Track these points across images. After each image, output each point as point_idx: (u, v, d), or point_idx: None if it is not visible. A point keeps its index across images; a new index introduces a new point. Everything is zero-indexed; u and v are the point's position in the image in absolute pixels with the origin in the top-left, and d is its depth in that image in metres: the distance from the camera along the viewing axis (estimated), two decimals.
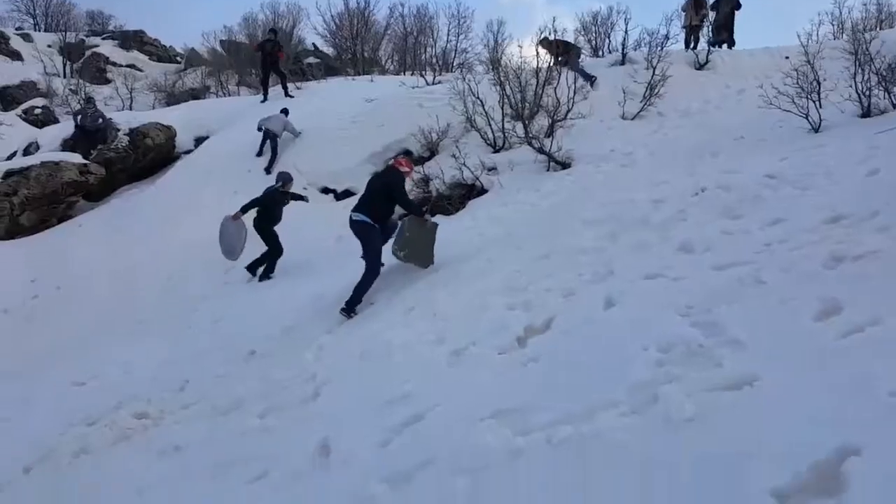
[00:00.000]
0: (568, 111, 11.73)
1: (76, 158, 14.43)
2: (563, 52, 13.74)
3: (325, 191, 12.76)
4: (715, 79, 14.13)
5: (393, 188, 7.50)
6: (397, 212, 8.08)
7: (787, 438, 2.45)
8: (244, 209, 10.10)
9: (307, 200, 11.24)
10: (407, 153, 12.85)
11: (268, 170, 13.67)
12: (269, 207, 10.21)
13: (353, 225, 7.53)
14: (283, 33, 27.24)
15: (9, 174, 13.48)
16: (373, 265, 7.29)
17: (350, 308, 6.94)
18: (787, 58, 11.95)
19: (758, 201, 5.72)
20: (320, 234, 11.12)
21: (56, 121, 23.41)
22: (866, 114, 8.58)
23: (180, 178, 14.09)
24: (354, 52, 30.63)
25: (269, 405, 4.93)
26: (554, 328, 4.44)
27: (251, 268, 10.35)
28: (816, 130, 8.56)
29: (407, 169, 7.95)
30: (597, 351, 3.81)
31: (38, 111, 26.27)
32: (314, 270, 9.76)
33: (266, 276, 10.18)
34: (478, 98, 11.85)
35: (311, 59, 29.92)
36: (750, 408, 2.71)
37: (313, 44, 32.13)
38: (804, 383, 2.77)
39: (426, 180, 11.45)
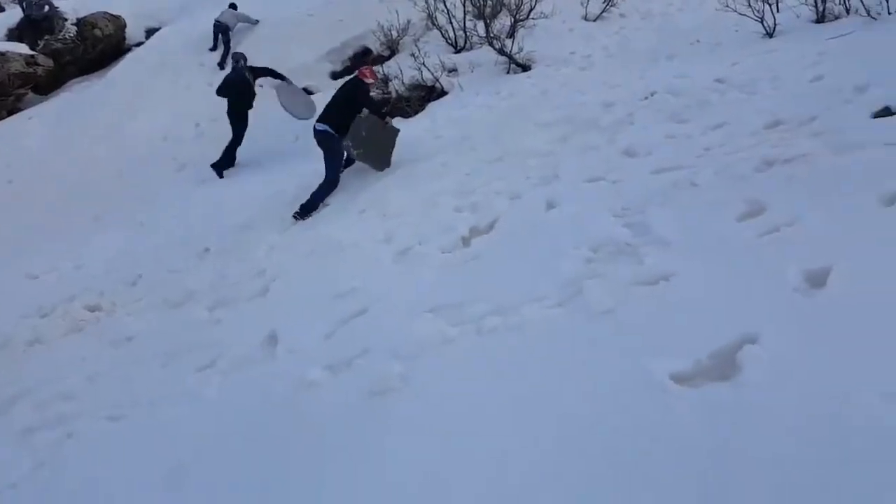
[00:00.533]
0: (531, 10, 11.51)
1: (23, 49, 13.83)
2: None
3: None
4: None
5: (358, 98, 7.51)
6: None
7: (691, 328, 2.66)
8: (222, 94, 10.23)
9: (278, 74, 10.68)
10: (366, 52, 12.68)
11: (221, 65, 13.33)
12: (240, 94, 10.10)
13: (317, 135, 7.55)
14: None
15: None
16: (332, 176, 7.34)
17: (304, 213, 7.01)
18: None
19: (704, 106, 5.84)
20: (279, 133, 10.97)
21: (1, 9, 22.16)
22: (820, 19, 8.61)
23: (132, 72, 13.62)
24: None
25: (219, 299, 5.06)
26: (497, 229, 4.60)
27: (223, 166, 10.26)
28: (771, 35, 8.60)
29: (371, 80, 7.90)
30: (534, 250, 3.98)
31: None
32: (271, 169, 9.72)
33: (221, 166, 10.14)
34: None
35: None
36: (662, 301, 2.91)
37: None
38: (716, 278, 2.97)
39: (385, 80, 11.26)
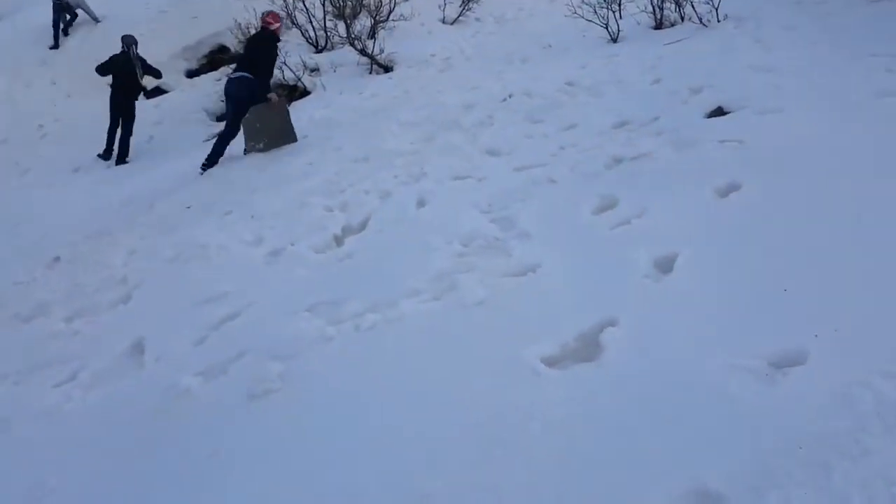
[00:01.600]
0: (390, 12, 11.64)
1: None
2: None
3: None
4: None
5: (263, 47, 7.67)
6: None
7: (557, 315, 2.88)
8: (103, 73, 9.81)
9: (160, 76, 10.49)
10: (223, 50, 12.31)
11: (54, 46, 12.70)
12: (126, 77, 9.66)
13: (233, 83, 7.61)
14: None
15: None
16: (235, 126, 7.70)
17: (209, 164, 7.46)
18: None
19: (557, 107, 6.20)
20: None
21: None
22: (658, 26, 9.32)
23: None
24: None
25: (76, 309, 4.77)
26: (369, 227, 4.68)
27: (107, 154, 9.78)
28: (615, 40, 9.20)
29: (276, 24, 7.93)
30: (406, 246, 4.11)
31: None
32: (121, 171, 9.25)
33: (123, 159, 9.69)
34: None
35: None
36: (531, 290, 3.13)
37: None
38: (577, 268, 3.23)
39: None
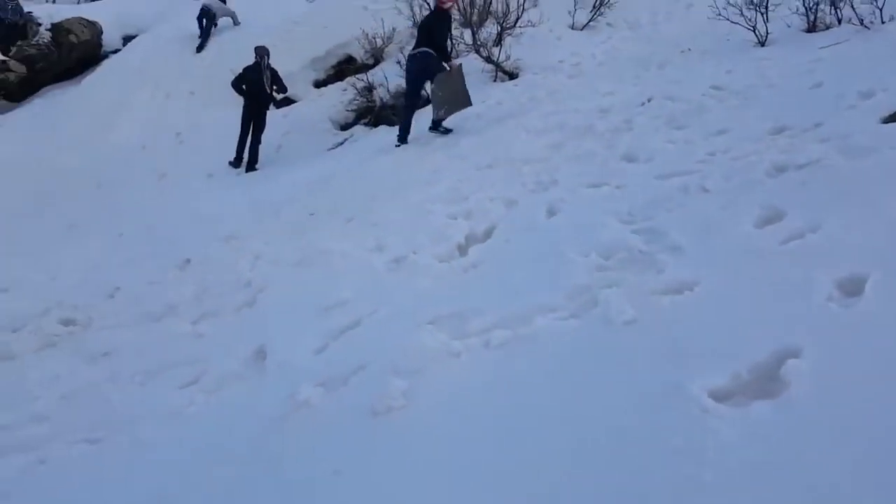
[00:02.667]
0: (517, 19, 11.41)
1: None
2: None
3: None
4: None
5: (437, 27, 8.23)
6: None
7: (726, 341, 2.45)
8: (239, 90, 10.28)
9: (286, 90, 11.02)
10: (350, 61, 12.49)
11: (199, 48, 13.47)
12: (257, 87, 10.17)
13: (414, 58, 8.24)
14: None
15: None
16: (413, 96, 8.47)
17: (402, 138, 8.24)
18: None
19: (702, 112, 5.71)
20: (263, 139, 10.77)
21: None
22: (811, 28, 8.56)
23: (110, 79, 13.30)
24: None
25: (202, 312, 4.79)
26: (495, 236, 4.40)
27: (237, 162, 10.27)
28: (762, 44, 8.53)
29: (449, 3, 8.46)
30: (537, 257, 3.78)
31: None
32: (251, 178, 9.49)
33: (252, 166, 10.15)
34: (425, 1, 11.39)
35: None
36: (690, 311, 2.71)
37: None
38: (744, 288, 2.78)
39: (370, 88, 11.08)
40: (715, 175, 4.18)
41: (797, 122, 4.80)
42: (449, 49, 8.69)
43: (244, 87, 10.19)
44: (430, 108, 8.66)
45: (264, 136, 10.35)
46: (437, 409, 2.64)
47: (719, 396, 2.19)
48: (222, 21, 14.18)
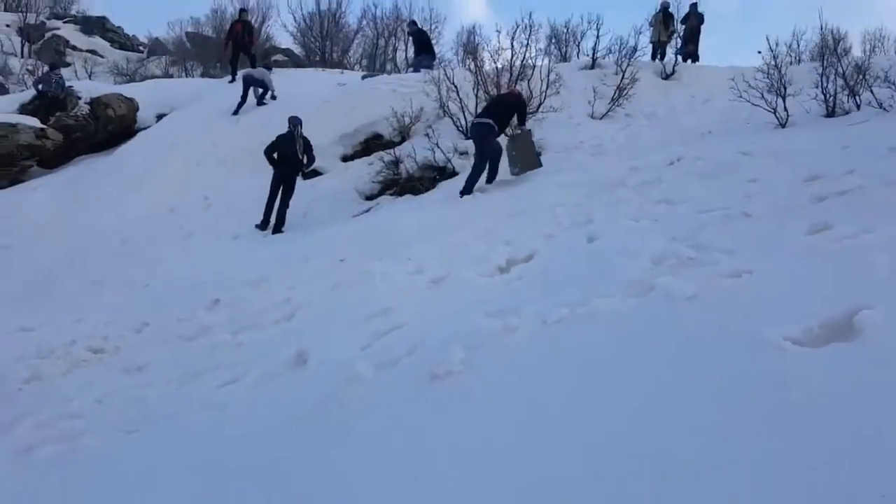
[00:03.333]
0: (540, 104, 11.84)
1: (33, 122, 13.95)
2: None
3: None
4: (681, 88, 14.46)
5: (520, 107, 9.32)
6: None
7: (793, 304, 2.46)
8: (270, 158, 10.54)
9: (314, 160, 11.37)
10: (377, 138, 12.89)
11: (234, 112, 14.14)
12: (290, 154, 10.51)
13: (477, 126, 8.98)
14: (254, 30, 26.95)
15: None
16: (481, 162, 8.70)
17: (466, 191, 8.35)
18: (759, 52, 12.21)
19: (734, 168, 5.81)
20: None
21: (6, 91, 22.73)
22: (831, 113, 8.85)
23: (142, 149, 13.70)
24: (323, 53, 30.49)
25: (240, 327, 4.77)
26: (537, 258, 4.42)
27: (263, 224, 10.44)
28: (783, 125, 8.80)
29: (523, 100, 9.67)
30: (584, 268, 3.80)
31: None
32: (276, 238, 9.65)
33: (279, 228, 10.27)
34: (452, 84, 11.87)
35: (279, 57, 29.66)
36: (751, 288, 2.72)
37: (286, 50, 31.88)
38: (805, 269, 2.81)
39: (396, 162, 11.37)
40: (758, 205, 4.25)
41: (830, 170, 4.88)
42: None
43: (276, 154, 10.49)
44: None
45: (291, 203, 10.58)
46: (497, 374, 2.62)
47: (796, 342, 2.19)
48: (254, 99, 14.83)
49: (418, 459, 2.21)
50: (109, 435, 3.52)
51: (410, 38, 16.94)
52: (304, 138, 10.75)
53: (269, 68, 15.70)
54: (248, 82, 14.65)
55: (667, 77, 15.02)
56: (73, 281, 9.74)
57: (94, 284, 9.57)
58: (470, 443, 2.20)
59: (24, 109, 14.67)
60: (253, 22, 30.08)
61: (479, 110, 9.84)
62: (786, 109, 9.01)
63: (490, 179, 8.97)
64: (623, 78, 13.12)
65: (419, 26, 17.47)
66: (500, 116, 9.02)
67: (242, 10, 18.19)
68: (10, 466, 3.47)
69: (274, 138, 10.69)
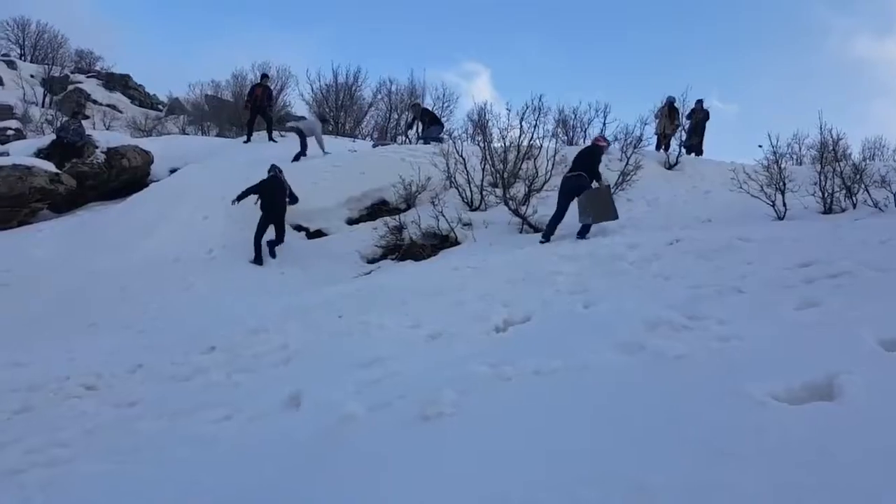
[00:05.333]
0: (545, 182, 12.12)
1: (49, 167, 14.23)
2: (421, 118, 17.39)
3: (298, 228, 12.72)
4: (684, 179, 14.80)
5: (595, 158, 10.10)
6: None
7: (777, 365, 2.55)
8: (245, 194, 11.55)
9: (297, 201, 12.18)
10: (383, 203, 13.13)
11: (295, 159, 14.92)
12: (275, 195, 11.53)
13: (571, 179, 9.90)
14: (273, 95, 27.69)
15: None
16: (562, 210, 9.85)
17: (546, 238, 9.62)
18: (760, 146, 12.58)
19: (731, 250, 5.96)
20: (282, 264, 11.16)
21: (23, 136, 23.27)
22: (828, 210, 9.09)
23: (152, 199, 13.92)
24: (337, 123, 31.24)
25: (236, 368, 4.81)
26: (534, 320, 4.50)
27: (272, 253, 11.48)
28: (781, 218, 9.01)
29: (605, 144, 10.88)
30: (580, 330, 3.87)
31: (10, 132, 26.03)
32: (280, 293, 9.72)
33: (272, 255, 11.46)
34: (461, 156, 12.19)
35: (293, 124, 30.41)
36: (740, 350, 2.81)
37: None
38: (792, 337, 2.90)
39: (400, 228, 11.57)
40: (751, 282, 4.37)
41: (823, 257, 5.02)
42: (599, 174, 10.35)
43: (262, 196, 11.44)
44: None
45: (292, 262, 10.82)
46: (488, 416, 2.67)
47: (778, 398, 2.26)
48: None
49: (405, 493, 2.24)
50: (97, 463, 3.53)
51: (417, 115, 17.50)
52: (286, 183, 11.85)
53: (324, 121, 16.79)
54: (304, 132, 15.43)
55: (670, 167, 15.40)
56: (70, 321, 9.74)
57: (91, 326, 9.57)
58: (458, 479, 2.24)
59: (39, 154, 14.97)
60: (272, 88, 31.03)
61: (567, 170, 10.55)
62: (784, 204, 9.25)
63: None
64: (627, 164, 13.45)
65: (423, 106, 18.21)
66: (587, 167, 9.96)
67: (264, 76, 18.74)
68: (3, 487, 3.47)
69: (258, 182, 11.62)
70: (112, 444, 3.82)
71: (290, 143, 18.01)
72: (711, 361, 2.69)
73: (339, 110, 31.43)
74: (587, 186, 9.88)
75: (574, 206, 9.92)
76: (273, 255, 11.50)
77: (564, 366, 2.96)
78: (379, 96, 32.84)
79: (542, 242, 9.62)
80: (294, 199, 12.01)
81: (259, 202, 11.49)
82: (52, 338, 8.79)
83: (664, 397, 2.38)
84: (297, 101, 36.35)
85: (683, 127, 16.89)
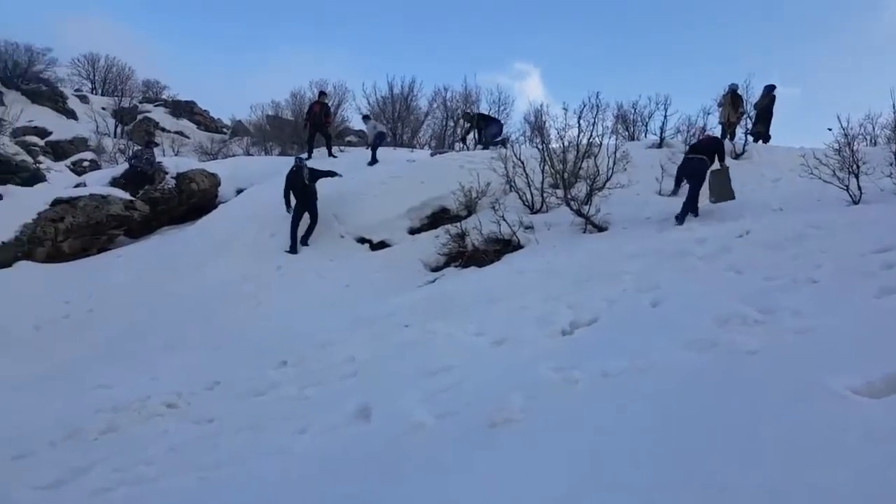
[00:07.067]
0: (607, 180, 11.94)
1: (123, 195, 14.83)
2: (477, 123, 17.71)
3: (362, 240, 12.89)
4: (751, 168, 14.34)
5: (719, 149, 11.11)
6: None
7: (857, 358, 2.43)
8: (287, 198, 12.89)
9: (335, 174, 13.49)
10: (444, 211, 13.19)
11: (369, 163, 16.06)
12: (301, 185, 12.63)
13: (693, 160, 10.91)
14: (331, 111, 28.17)
15: (57, 202, 13.87)
16: (696, 190, 10.54)
17: (683, 217, 10.14)
18: (829, 129, 12.14)
19: (803, 238, 5.74)
20: (348, 277, 11.32)
21: (98, 167, 24.33)
22: None
23: (220, 220, 14.36)
24: (395, 135, 31.56)
25: (307, 383, 4.90)
26: (601, 321, 4.43)
27: (304, 241, 12.45)
28: (856, 203, 8.64)
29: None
30: (648, 329, 3.80)
31: (86, 164, 27.34)
32: (343, 304, 9.87)
33: (305, 242, 12.42)
34: (519, 160, 12.14)
35: (353, 138, 30.92)
36: (817, 342, 2.70)
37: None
38: (871, 328, 2.76)
39: (462, 235, 11.58)
40: (825, 272, 4.19)
41: None
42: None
43: (292, 188, 12.63)
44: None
45: (357, 275, 11.01)
46: (556, 421, 2.64)
47: (857, 391, 2.16)
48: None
49: (474, 500, 2.24)
50: (181, 479, 3.65)
51: (473, 122, 17.57)
52: (310, 170, 12.80)
53: (382, 137, 17.33)
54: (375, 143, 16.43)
55: (737, 156, 14.97)
56: (149, 342, 10.11)
57: (168, 346, 9.92)
58: (526, 485, 2.22)
59: (115, 182, 15.64)
60: (330, 104, 31.58)
61: (688, 150, 11.80)
62: (859, 187, 8.88)
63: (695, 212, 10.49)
64: None
65: (477, 111, 18.25)
66: (708, 154, 10.87)
67: (322, 93, 19.11)
68: None
69: (285, 179, 12.87)
70: (194, 460, 3.94)
71: (351, 157, 18.31)
72: (786, 355, 2.59)
73: (396, 122, 31.75)
74: (706, 170, 10.77)
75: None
76: (306, 243, 12.48)
77: (633, 366, 2.90)
78: (434, 104, 33.01)
79: (677, 225, 10.05)
80: (331, 174, 13.31)
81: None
82: (134, 359, 9.14)
83: (738, 395, 2.31)
84: (354, 115, 36.89)
85: (749, 114, 16.39)
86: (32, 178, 16.80)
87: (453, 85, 44.09)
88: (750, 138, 15.73)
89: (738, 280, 4.67)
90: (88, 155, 28.84)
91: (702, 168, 10.83)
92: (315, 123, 17.68)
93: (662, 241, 7.29)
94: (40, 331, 11.34)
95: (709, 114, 15.32)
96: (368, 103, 32.15)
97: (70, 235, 13.67)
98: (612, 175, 12.01)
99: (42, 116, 31.83)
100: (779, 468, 1.79)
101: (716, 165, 11.12)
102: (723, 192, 10.85)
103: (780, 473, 1.76)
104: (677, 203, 12.05)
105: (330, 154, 18.20)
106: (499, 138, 16.40)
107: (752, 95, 16.56)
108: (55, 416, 6.50)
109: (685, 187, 11.34)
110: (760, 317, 3.41)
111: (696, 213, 10.49)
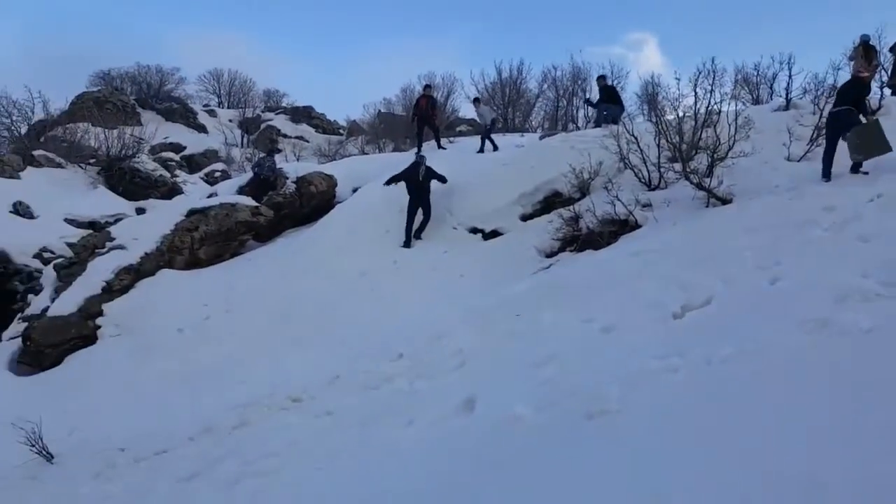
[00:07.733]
0: (729, 149, 11.31)
1: (249, 202, 15.66)
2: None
3: (474, 231, 12.94)
4: (890, 122, 13.16)
5: (858, 90, 9.80)
6: None
7: None
8: (391, 181, 13.53)
9: (444, 181, 13.36)
10: (556, 195, 12.98)
11: (479, 151, 16.66)
12: (416, 181, 12.98)
13: (839, 113, 9.58)
14: (438, 103, 28.43)
15: (192, 213, 14.85)
16: (833, 143, 9.55)
17: (826, 173, 9.47)
18: None
19: None
20: (462, 268, 11.41)
21: (228, 176, 25.79)
22: None
23: (338, 219, 14.84)
24: (506, 119, 31.45)
25: (417, 375, 4.99)
26: (714, 303, 4.21)
27: (417, 235, 12.82)
28: None
29: (866, 74, 10.69)
30: (762, 310, 3.59)
31: (217, 174, 29.01)
32: (456, 293, 9.97)
33: (418, 236, 12.78)
34: (633, 136, 11.73)
35: (464, 128, 31.05)
36: None
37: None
38: None
39: (576, 218, 11.35)
40: None
41: None
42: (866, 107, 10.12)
43: (407, 183, 12.91)
44: None
45: (471, 265, 11.08)
46: (650, 412, 2.54)
47: None
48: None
49: (562, 492, 2.19)
50: (300, 471, 3.82)
51: (600, 91, 16.93)
52: (429, 168, 12.95)
53: (493, 124, 17.73)
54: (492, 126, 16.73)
55: (872, 113, 13.76)
56: (279, 339, 10.62)
57: (296, 342, 10.39)
58: (615, 478, 2.15)
59: (241, 191, 16.53)
60: (438, 96, 31.90)
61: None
62: None
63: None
64: (822, 117, 12.21)
65: (607, 82, 17.41)
66: (852, 100, 9.60)
67: (427, 86, 19.32)
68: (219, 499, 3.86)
69: (402, 170, 13.24)
70: (312, 452, 4.11)
71: (460, 148, 18.42)
72: None
73: (506, 107, 31.64)
74: (856, 122, 9.51)
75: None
76: (419, 237, 12.78)
77: (739, 351, 2.74)
78: (545, 85, 32.61)
79: (824, 180, 9.50)
80: (441, 179, 13.23)
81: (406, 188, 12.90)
82: (266, 356, 9.64)
83: (844, 380, 2.13)
84: (463, 103, 37.11)
85: (885, 67, 15.05)
86: (171, 191, 18.08)
87: (562, 63, 43.20)
88: (887, 91, 14.40)
89: (864, 250, 4.33)
90: (219, 165, 30.60)
91: (850, 121, 9.70)
92: (423, 117, 17.88)
93: (789, 211, 6.81)
94: (183, 333, 12.18)
95: (839, 69, 14.14)
96: (477, 90, 32.22)
97: (205, 243, 14.59)
98: (734, 144, 11.37)
99: (176, 132, 34.15)
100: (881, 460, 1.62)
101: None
102: (875, 145, 9.48)
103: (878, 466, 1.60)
104: (808, 168, 11.27)
105: (439, 146, 18.35)
106: (615, 115, 15.91)
107: (886, 46, 15.16)
108: (195, 413, 6.99)
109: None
110: (883, 290, 3.14)
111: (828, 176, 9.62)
